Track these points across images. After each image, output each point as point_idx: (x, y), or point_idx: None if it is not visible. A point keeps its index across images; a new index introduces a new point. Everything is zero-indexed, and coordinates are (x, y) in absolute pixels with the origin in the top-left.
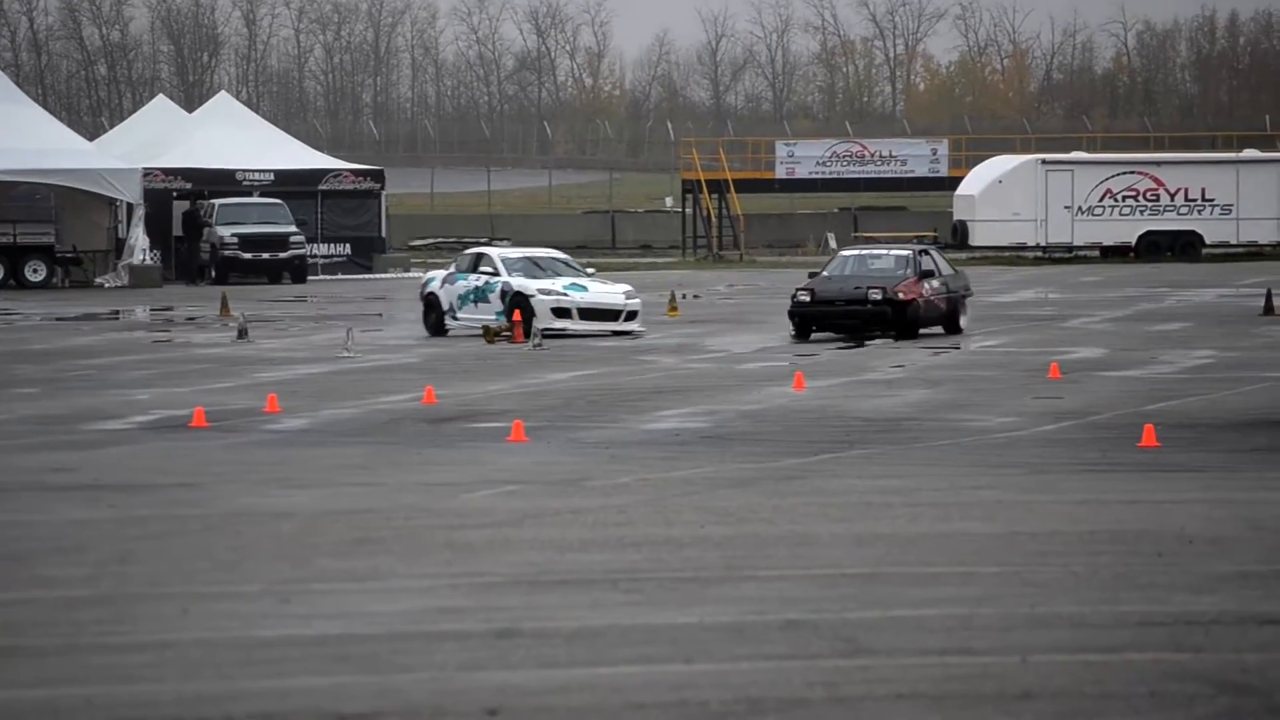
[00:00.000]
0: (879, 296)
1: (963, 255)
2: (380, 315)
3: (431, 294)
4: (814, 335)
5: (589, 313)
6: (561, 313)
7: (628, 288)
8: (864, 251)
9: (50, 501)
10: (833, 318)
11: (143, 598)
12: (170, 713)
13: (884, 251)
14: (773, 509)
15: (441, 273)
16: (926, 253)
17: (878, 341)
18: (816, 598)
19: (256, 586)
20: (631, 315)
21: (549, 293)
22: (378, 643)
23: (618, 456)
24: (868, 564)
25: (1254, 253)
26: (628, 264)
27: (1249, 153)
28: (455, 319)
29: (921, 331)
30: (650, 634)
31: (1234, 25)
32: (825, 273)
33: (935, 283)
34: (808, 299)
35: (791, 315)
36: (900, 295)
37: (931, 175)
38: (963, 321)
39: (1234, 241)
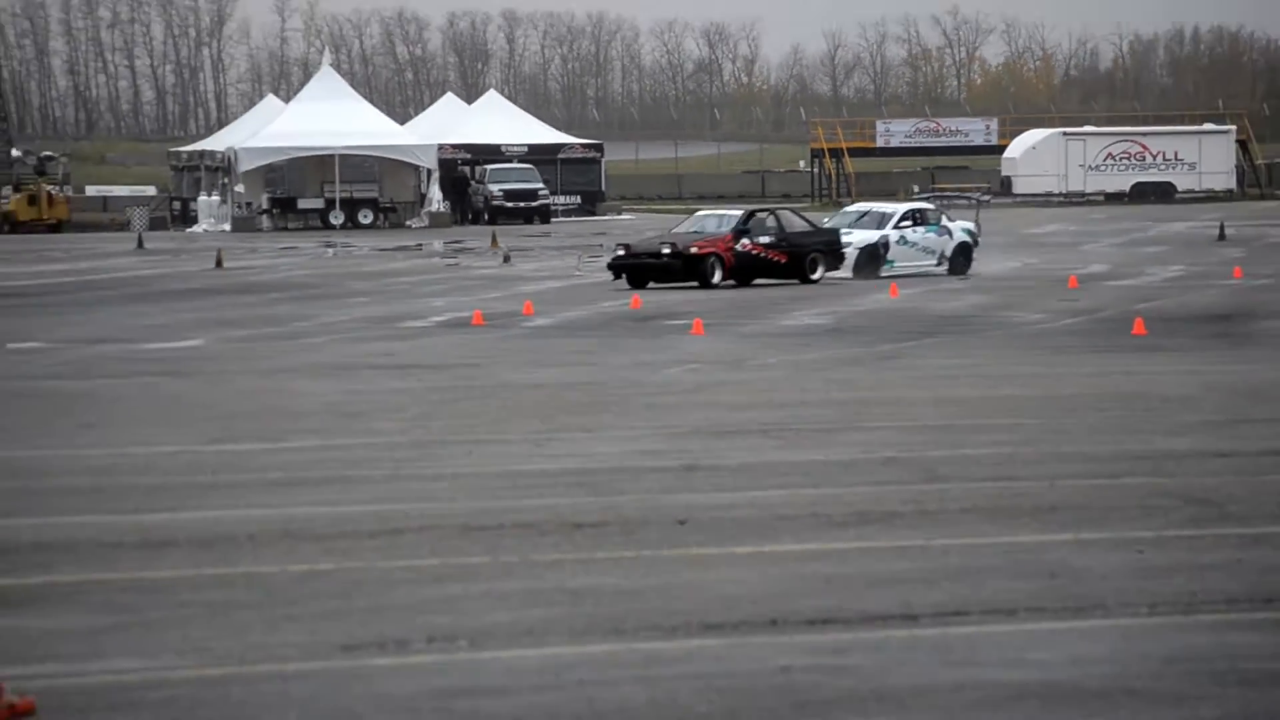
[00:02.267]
0: (668, 251)
1: (1008, 200)
2: (601, 246)
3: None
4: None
5: None
6: None
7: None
8: (709, 213)
9: (378, 377)
10: (636, 269)
11: (441, 443)
12: (461, 521)
13: (723, 213)
14: (875, 380)
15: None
16: (774, 213)
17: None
18: (906, 441)
19: (518, 435)
20: None
21: None
22: (601, 474)
23: (767, 344)
24: (943, 418)
25: (1212, 197)
26: (776, 208)
27: (1208, 126)
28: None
29: (763, 280)
30: (790, 468)
31: (1196, 35)
32: (677, 229)
33: (763, 239)
34: (622, 253)
35: (609, 265)
36: (693, 250)
37: (986, 144)
38: (817, 273)
39: (1197, 189)
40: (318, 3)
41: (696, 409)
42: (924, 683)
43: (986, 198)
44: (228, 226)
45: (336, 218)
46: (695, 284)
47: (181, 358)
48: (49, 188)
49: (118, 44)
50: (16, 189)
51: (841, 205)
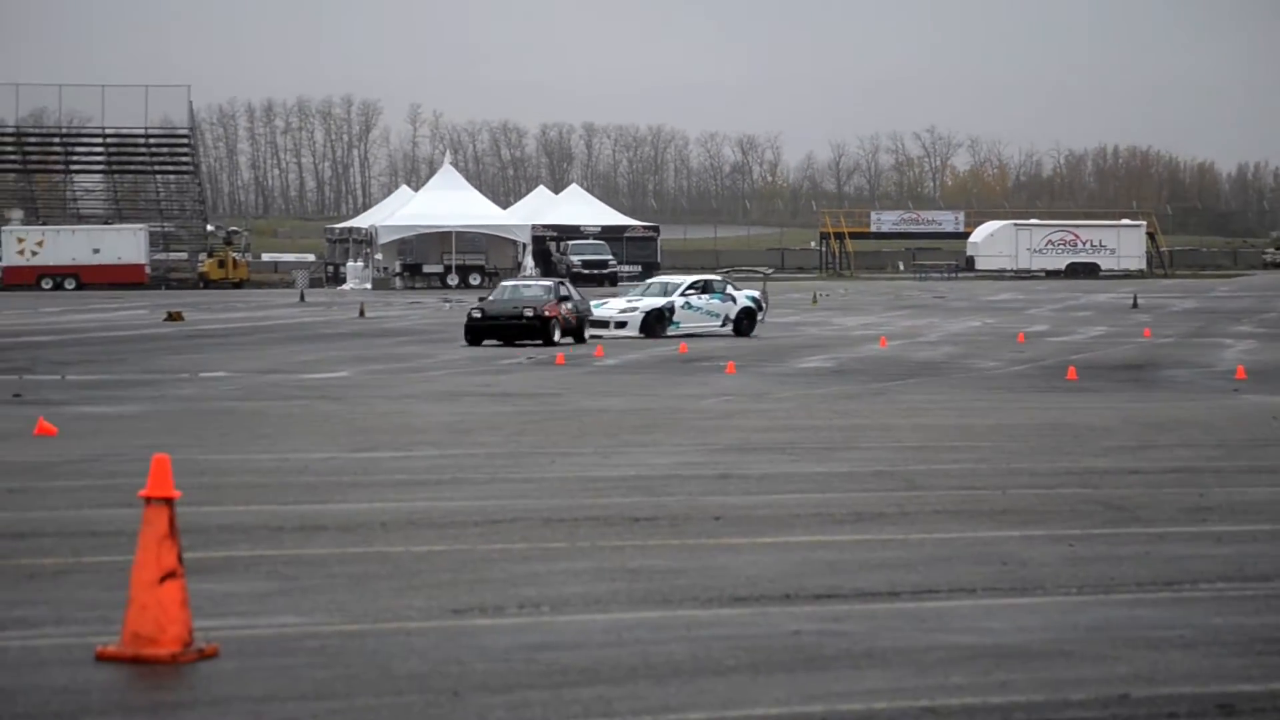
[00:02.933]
0: (530, 314)
1: (971, 274)
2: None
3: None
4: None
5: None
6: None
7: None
8: (517, 283)
9: (482, 402)
10: (498, 330)
11: (530, 455)
12: (545, 515)
13: (533, 283)
14: (868, 409)
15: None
16: (563, 284)
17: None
18: (892, 458)
19: (589, 449)
20: (620, 324)
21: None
22: (654, 480)
23: (783, 381)
24: (920, 440)
25: (1127, 275)
26: (791, 278)
27: (1124, 221)
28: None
29: (559, 339)
30: (800, 478)
31: (1116, 152)
32: (491, 298)
33: (569, 305)
34: (479, 315)
35: (466, 329)
36: (545, 313)
37: (955, 231)
38: (586, 334)
39: (1116, 269)
40: (441, 115)
41: (728, 430)
42: (904, 644)
43: (770, 270)
44: (369, 285)
45: (452, 279)
46: (540, 341)
47: (331, 385)
48: (234, 254)
49: (288, 146)
50: (210, 255)
51: (843, 275)
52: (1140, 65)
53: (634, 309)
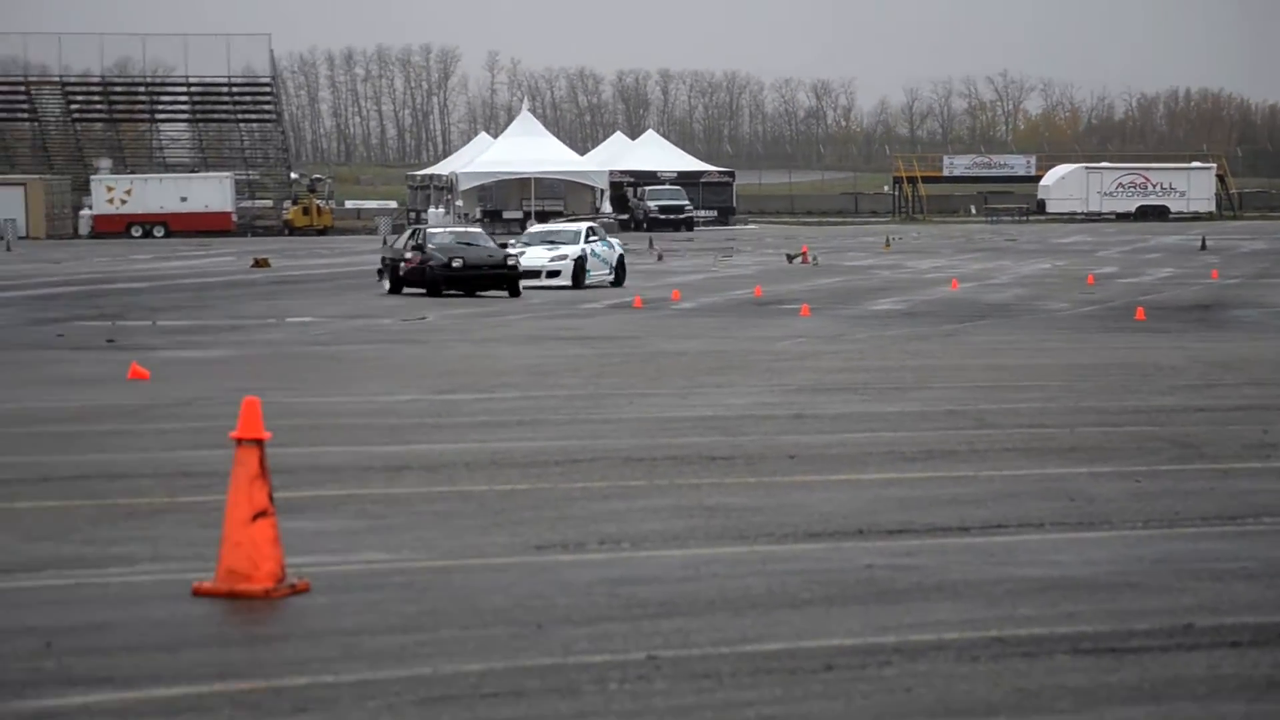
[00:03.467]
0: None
1: (1042, 217)
2: (732, 247)
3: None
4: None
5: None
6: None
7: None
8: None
9: (562, 345)
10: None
11: (609, 395)
12: (624, 454)
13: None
14: (939, 350)
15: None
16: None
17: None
18: (964, 396)
19: (667, 390)
20: (553, 274)
21: None
22: (730, 420)
23: (857, 323)
24: (991, 380)
25: (1196, 217)
26: (865, 222)
27: (1194, 163)
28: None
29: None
30: (873, 418)
31: (1188, 95)
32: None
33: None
34: (455, 264)
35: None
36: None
37: (1026, 175)
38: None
39: (1186, 211)
40: (519, 62)
41: (802, 371)
42: (973, 578)
43: (611, 217)
44: None
45: (531, 225)
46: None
47: (415, 330)
48: (318, 201)
49: (369, 93)
50: (294, 202)
51: (915, 219)
52: (1212, 7)
53: (563, 257)
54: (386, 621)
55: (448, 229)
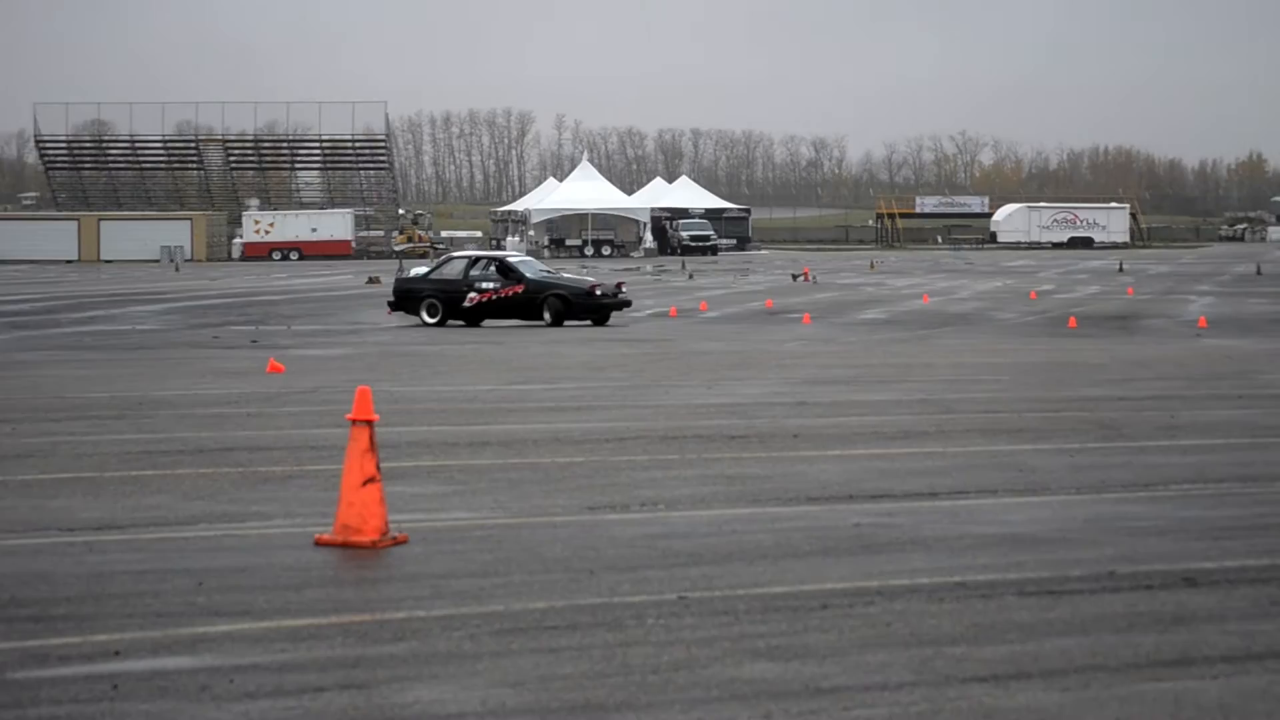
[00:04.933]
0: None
1: (994, 246)
2: (748, 268)
3: None
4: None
5: None
6: None
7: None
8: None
9: (612, 345)
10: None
11: (649, 387)
12: (661, 434)
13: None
14: (914, 351)
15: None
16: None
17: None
18: (933, 388)
19: (696, 382)
20: None
21: None
22: (746, 407)
23: (848, 329)
24: (955, 375)
25: (1115, 246)
26: (854, 249)
27: (1112, 204)
28: None
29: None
30: (860, 405)
31: (1106, 150)
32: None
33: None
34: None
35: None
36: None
37: (981, 212)
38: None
39: (1107, 241)
40: (580, 123)
41: (805, 367)
42: (941, 534)
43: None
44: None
45: (588, 251)
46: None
47: (495, 333)
48: (419, 232)
49: (462, 147)
50: (400, 233)
51: (894, 247)
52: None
53: None
54: (468, 568)
55: (521, 257)
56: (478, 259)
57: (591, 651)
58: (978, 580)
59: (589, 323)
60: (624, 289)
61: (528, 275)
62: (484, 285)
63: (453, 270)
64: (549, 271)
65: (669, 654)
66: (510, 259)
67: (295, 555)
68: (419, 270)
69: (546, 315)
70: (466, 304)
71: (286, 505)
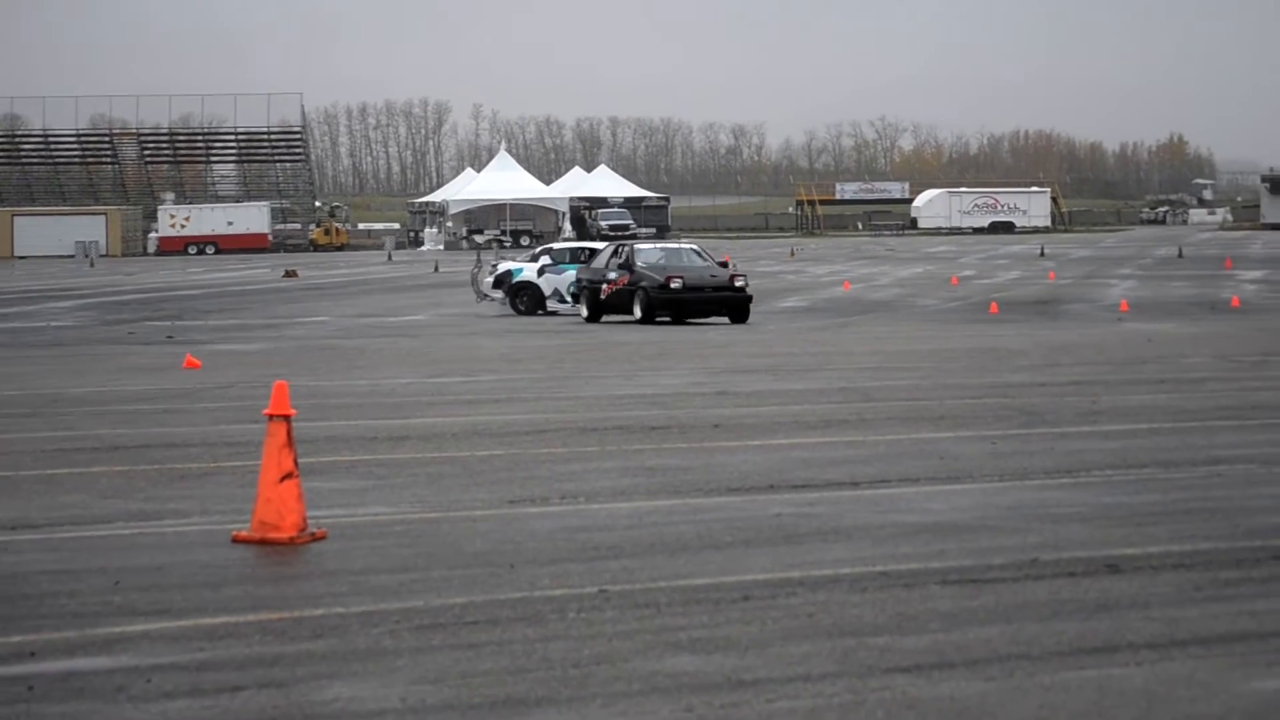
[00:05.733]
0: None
1: (914, 232)
2: None
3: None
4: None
5: None
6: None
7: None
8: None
9: (531, 337)
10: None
11: (571, 378)
12: (581, 425)
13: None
14: (835, 339)
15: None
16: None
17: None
18: (854, 376)
19: (616, 372)
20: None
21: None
22: (666, 398)
23: (768, 317)
24: (876, 363)
25: (1036, 231)
26: (774, 236)
27: (1033, 188)
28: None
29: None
30: (781, 394)
31: (1027, 134)
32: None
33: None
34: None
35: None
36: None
37: (902, 197)
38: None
39: (1028, 226)
40: (498, 112)
41: (725, 357)
42: (863, 523)
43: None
44: (442, 247)
45: (506, 241)
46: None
47: (413, 326)
48: (336, 224)
49: (378, 139)
50: (317, 225)
51: (814, 234)
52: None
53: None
54: (387, 563)
55: (655, 245)
56: (620, 245)
57: (512, 646)
58: (900, 569)
59: (673, 320)
60: (738, 279)
61: (637, 264)
62: (610, 275)
63: (599, 259)
64: (673, 259)
65: (590, 648)
66: (636, 243)
67: (212, 553)
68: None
69: (636, 309)
70: (601, 296)
71: (203, 502)
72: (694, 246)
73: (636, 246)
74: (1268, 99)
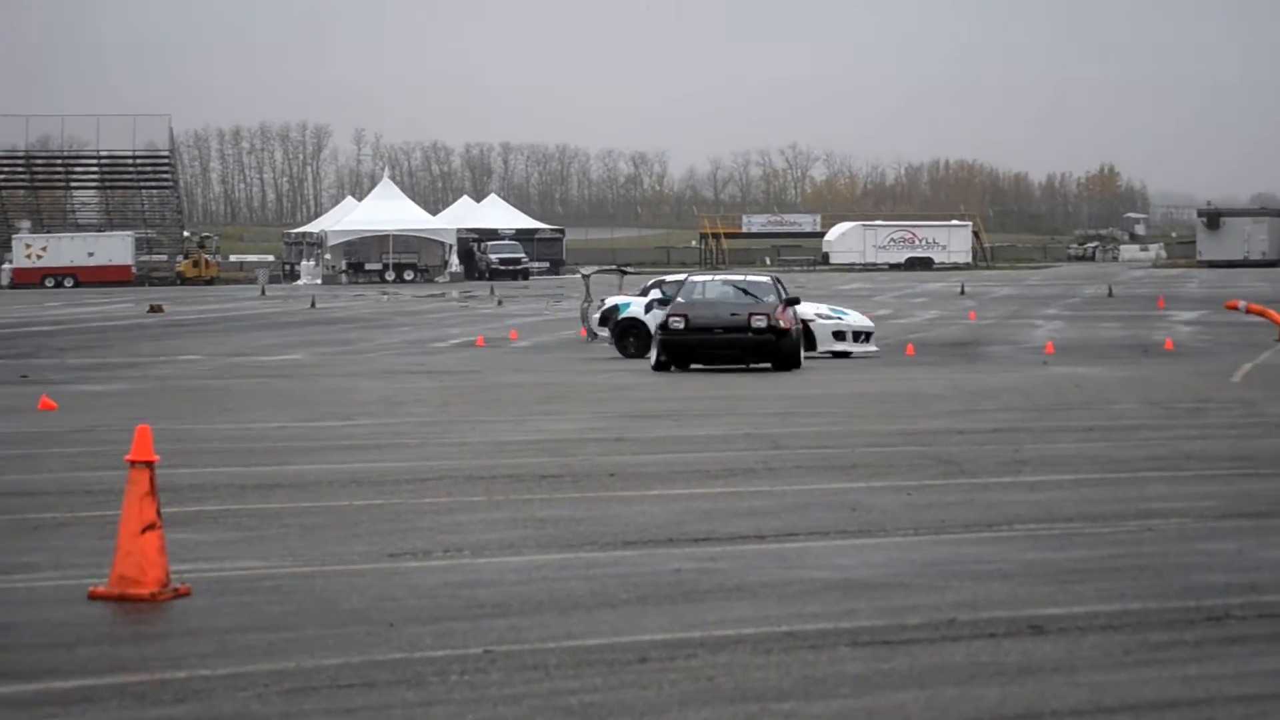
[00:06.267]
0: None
1: (826, 267)
2: (561, 294)
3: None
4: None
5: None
6: (839, 335)
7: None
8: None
9: (414, 379)
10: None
11: (455, 423)
12: (467, 474)
13: (748, 276)
14: (739, 384)
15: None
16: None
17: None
18: (760, 422)
19: (505, 418)
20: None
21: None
22: (560, 444)
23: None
24: (784, 408)
25: (956, 267)
26: (676, 272)
27: (954, 221)
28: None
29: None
30: (682, 441)
31: (947, 164)
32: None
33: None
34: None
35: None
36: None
37: (813, 231)
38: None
39: (947, 262)
40: (381, 137)
41: (622, 401)
42: (768, 579)
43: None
44: (319, 281)
45: (389, 276)
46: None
47: (287, 366)
48: (206, 256)
49: (253, 164)
50: (185, 257)
51: (719, 271)
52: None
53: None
54: (257, 621)
55: (717, 276)
56: (690, 277)
57: (390, 712)
58: (807, 630)
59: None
60: (758, 317)
61: (677, 299)
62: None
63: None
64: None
65: (473, 713)
66: (696, 276)
67: (68, 610)
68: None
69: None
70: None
71: (58, 555)
72: (765, 278)
73: (692, 279)
74: (1204, 129)
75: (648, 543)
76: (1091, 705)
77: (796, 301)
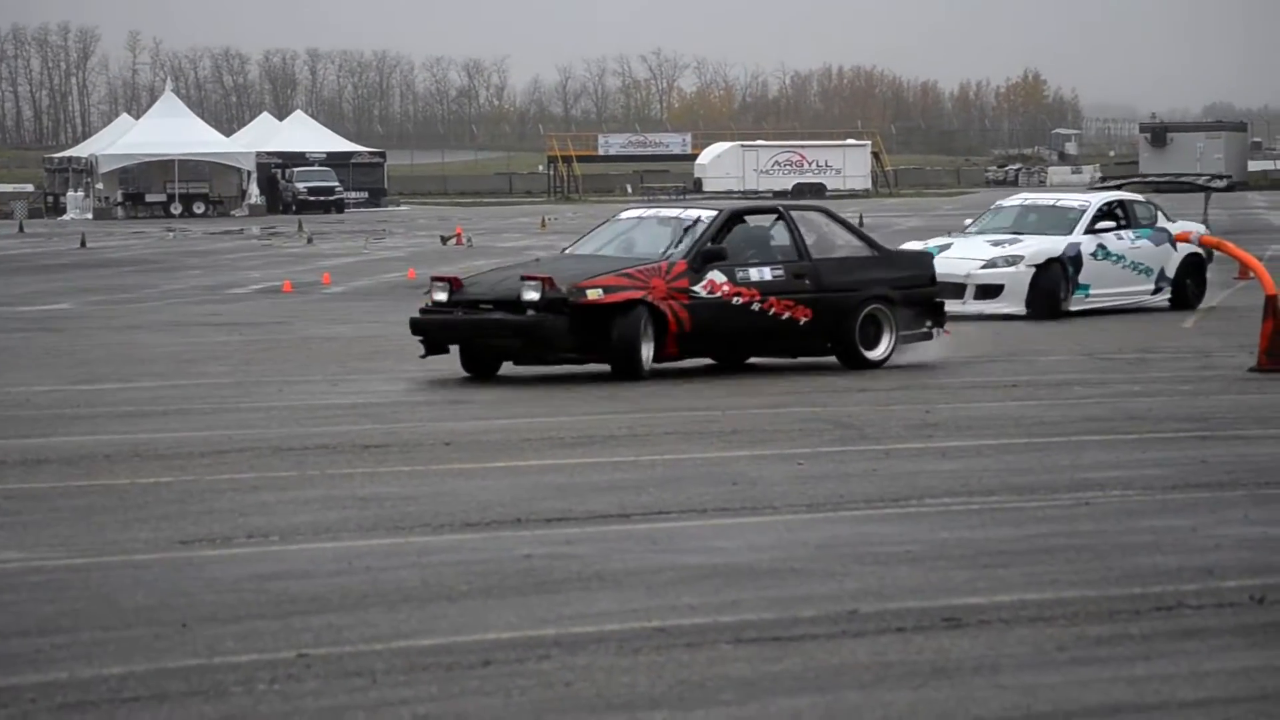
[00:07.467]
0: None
1: (699, 196)
2: (383, 229)
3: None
4: None
5: None
6: None
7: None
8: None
9: (208, 332)
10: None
11: (257, 383)
12: (273, 444)
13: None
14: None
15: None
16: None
17: None
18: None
19: (319, 376)
20: (990, 291)
21: None
22: (384, 408)
23: None
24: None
25: (853, 194)
26: (520, 202)
27: (849, 141)
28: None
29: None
30: (532, 402)
31: (841, 72)
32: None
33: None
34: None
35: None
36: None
37: (683, 154)
38: (880, 348)
39: (842, 189)
40: (161, 42)
41: (446, 361)
42: (635, 566)
43: (1221, 182)
44: (90, 215)
45: (175, 209)
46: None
47: (53, 317)
48: None
49: (4, 74)
50: None
51: (570, 199)
52: None
53: (1015, 258)
54: (21, 624)
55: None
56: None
57: None
58: (683, 625)
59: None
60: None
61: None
62: None
63: None
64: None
65: None
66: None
67: None
68: None
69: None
70: None
71: None
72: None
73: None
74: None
75: (491, 524)
76: (1020, 711)
77: (719, 257)
